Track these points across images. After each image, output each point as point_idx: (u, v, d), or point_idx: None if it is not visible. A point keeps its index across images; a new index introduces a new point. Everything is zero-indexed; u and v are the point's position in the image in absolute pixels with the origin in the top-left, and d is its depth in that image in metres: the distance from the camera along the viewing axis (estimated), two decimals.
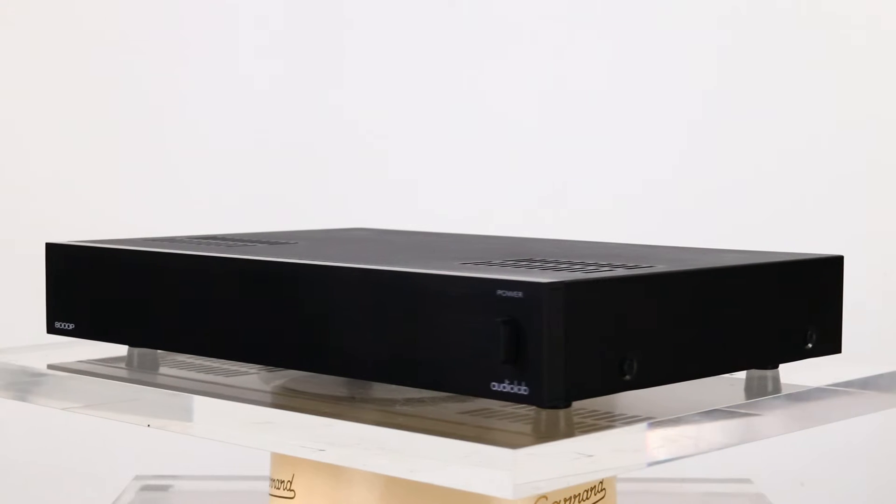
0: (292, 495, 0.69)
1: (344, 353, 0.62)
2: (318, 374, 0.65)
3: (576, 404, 0.58)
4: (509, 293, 0.55)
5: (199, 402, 0.64)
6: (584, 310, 0.56)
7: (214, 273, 0.67)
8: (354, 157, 1.29)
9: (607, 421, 0.59)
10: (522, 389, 0.55)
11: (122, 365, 0.74)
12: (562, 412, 0.57)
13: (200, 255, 0.68)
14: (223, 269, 0.67)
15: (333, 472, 0.67)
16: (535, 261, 0.65)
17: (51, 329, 0.75)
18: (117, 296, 0.72)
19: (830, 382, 0.68)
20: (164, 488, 1.03)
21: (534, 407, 0.56)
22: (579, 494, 0.68)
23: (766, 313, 0.66)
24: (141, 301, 0.70)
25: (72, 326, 0.74)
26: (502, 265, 0.62)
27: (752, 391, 0.67)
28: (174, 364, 0.74)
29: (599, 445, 0.56)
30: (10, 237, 1.28)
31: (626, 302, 0.58)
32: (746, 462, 1.18)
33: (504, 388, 0.55)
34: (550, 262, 0.64)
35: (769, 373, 0.68)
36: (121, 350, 0.75)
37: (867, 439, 1.25)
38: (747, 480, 1.08)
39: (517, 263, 0.63)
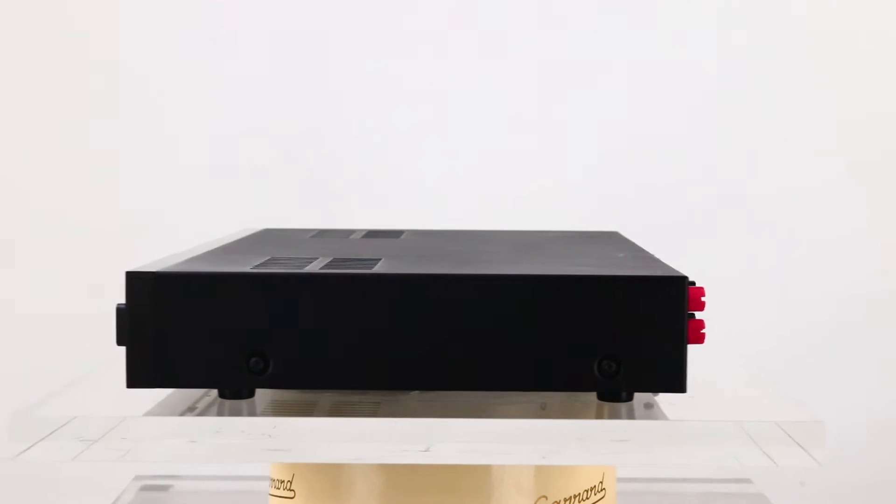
0: (292, 495, 0.69)
1: None
2: None
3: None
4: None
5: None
6: (184, 302, 0.58)
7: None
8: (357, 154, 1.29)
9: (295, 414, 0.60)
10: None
11: None
12: (244, 402, 0.61)
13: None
14: None
15: (333, 473, 0.67)
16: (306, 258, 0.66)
17: None
18: None
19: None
20: (164, 488, 1.03)
21: None
22: (579, 494, 0.68)
23: (509, 332, 0.59)
24: None
25: None
26: (243, 254, 0.66)
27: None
28: None
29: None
30: None
31: (254, 299, 0.59)
32: None
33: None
34: (308, 258, 0.66)
35: (622, 405, 0.61)
36: None
37: (867, 439, 1.25)
38: (747, 480, 1.08)
39: (274, 261, 0.64)
